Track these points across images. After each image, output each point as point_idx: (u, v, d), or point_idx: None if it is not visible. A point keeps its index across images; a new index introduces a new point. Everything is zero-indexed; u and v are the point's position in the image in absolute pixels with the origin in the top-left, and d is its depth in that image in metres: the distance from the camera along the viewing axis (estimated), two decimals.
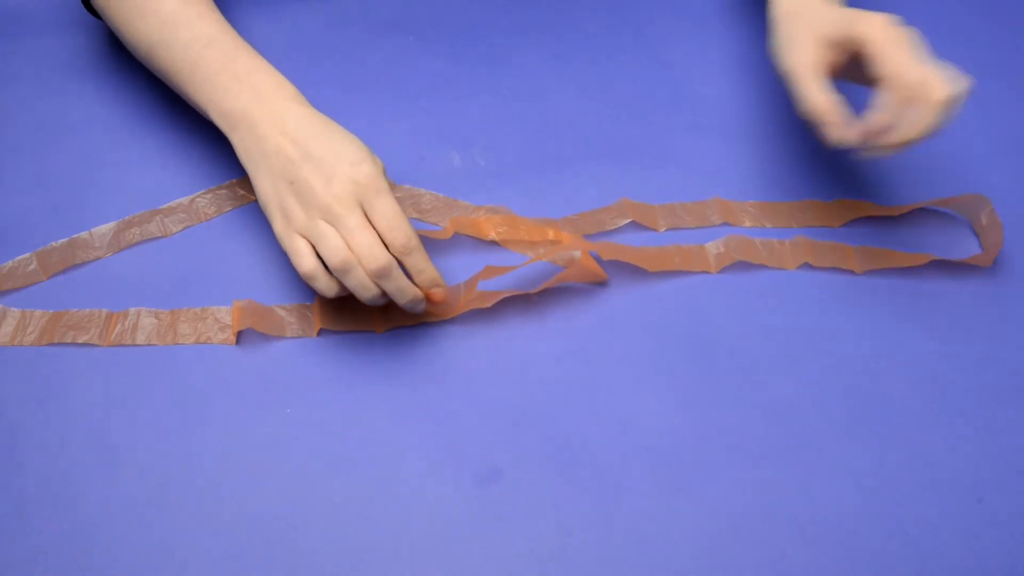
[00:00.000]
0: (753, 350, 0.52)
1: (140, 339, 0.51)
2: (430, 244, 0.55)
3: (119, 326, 0.51)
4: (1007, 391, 0.51)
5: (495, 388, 0.50)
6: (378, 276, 0.46)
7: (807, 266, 0.55)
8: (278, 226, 0.48)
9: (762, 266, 0.55)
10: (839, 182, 0.60)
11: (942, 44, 0.70)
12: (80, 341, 0.50)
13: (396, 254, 0.47)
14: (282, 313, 0.52)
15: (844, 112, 0.49)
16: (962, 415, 0.50)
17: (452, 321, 0.52)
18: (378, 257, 0.46)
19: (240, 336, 0.51)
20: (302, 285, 0.53)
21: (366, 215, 0.47)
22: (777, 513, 0.46)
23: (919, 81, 0.47)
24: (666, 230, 0.57)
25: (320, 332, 0.51)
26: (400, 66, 0.65)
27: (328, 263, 0.46)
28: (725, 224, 0.57)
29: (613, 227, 0.56)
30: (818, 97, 0.49)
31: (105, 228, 0.54)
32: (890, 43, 0.48)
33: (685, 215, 0.57)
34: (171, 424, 0.48)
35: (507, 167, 0.59)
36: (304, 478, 0.46)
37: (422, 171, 0.59)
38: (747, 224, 0.57)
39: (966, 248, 0.57)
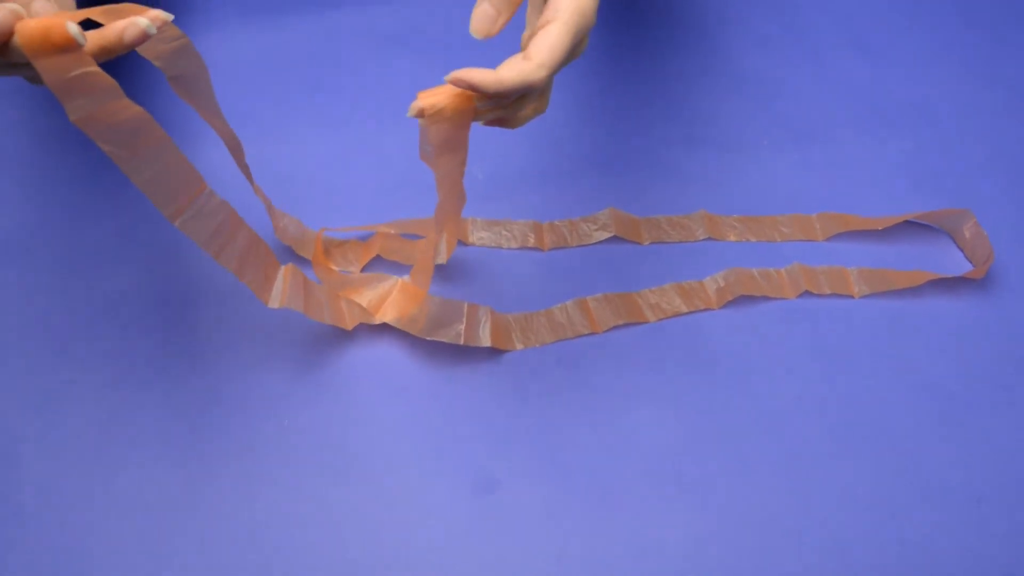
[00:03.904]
0: (750, 362, 0.52)
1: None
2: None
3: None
4: (1001, 402, 0.51)
5: (492, 398, 0.50)
6: None
7: (807, 293, 0.55)
8: None
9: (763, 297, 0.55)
10: (823, 194, 0.60)
11: (935, 54, 0.71)
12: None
13: None
14: (320, 295, 0.49)
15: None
16: (960, 426, 0.50)
17: None
18: None
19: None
20: None
21: None
22: (775, 524, 0.46)
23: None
24: (649, 243, 0.57)
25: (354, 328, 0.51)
26: (399, 79, 0.65)
27: None
28: (709, 239, 0.57)
29: (595, 240, 0.56)
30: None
31: None
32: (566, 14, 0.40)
33: (669, 229, 0.57)
34: (168, 433, 0.48)
35: (506, 180, 0.59)
36: (300, 488, 0.46)
37: (422, 185, 0.59)
38: (731, 238, 0.57)
39: (951, 258, 0.57)
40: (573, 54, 0.42)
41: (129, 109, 0.39)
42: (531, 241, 0.56)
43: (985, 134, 0.64)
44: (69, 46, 0.36)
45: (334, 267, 0.54)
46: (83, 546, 0.44)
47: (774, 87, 0.67)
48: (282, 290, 0.46)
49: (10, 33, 0.37)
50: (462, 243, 0.56)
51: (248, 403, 0.49)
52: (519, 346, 0.52)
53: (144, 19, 0.38)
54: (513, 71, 0.38)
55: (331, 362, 0.51)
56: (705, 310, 0.54)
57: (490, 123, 0.43)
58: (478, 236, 0.56)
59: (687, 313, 0.54)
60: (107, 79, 0.38)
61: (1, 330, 0.52)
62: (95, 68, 0.38)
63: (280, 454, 0.48)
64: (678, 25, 0.70)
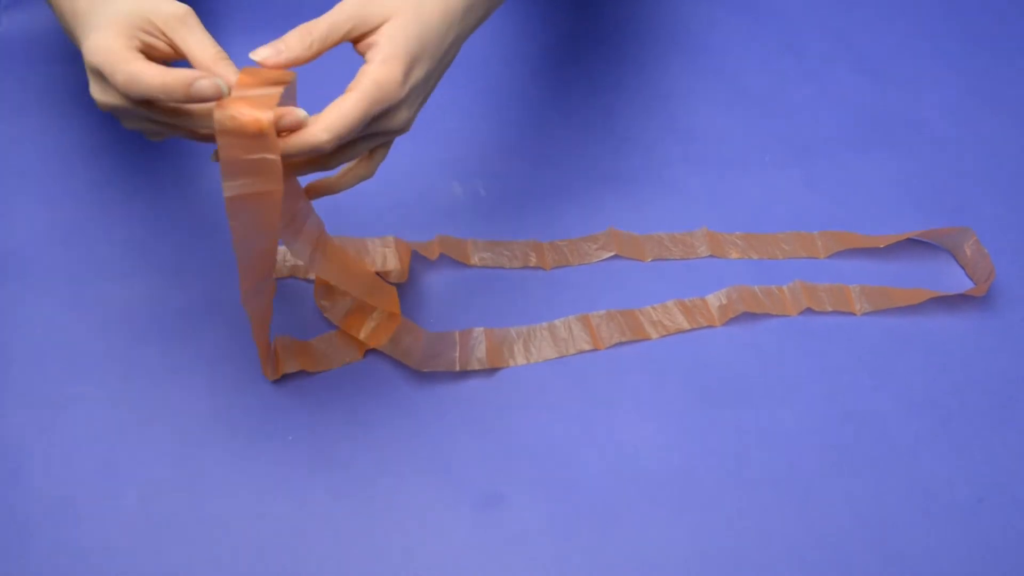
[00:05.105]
0: (752, 378, 0.52)
1: None
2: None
3: None
4: (1003, 419, 0.51)
5: (495, 413, 0.50)
6: None
7: (808, 311, 0.55)
8: None
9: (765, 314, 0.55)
10: (824, 212, 0.60)
11: (936, 73, 0.71)
12: None
13: None
14: (321, 346, 0.52)
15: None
16: (962, 443, 0.50)
17: None
18: None
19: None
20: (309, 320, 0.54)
21: None
22: (778, 539, 0.46)
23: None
24: (652, 260, 0.57)
25: (366, 354, 0.52)
26: None
27: None
28: (711, 256, 0.57)
29: (596, 260, 0.57)
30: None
31: None
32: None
33: (672, 246, 0.57)
34: (174, 450, 0.48)
35: (508, 197, 0.60)
36: (304, 502, 0.47)
37: (424, 201, 0.59)
38: (733, 256, 0.57)
39: (952, 275, 0.58)
40: (387, 126, 0.43)
41: (276, 195, 0.38)
42: (532, 261, 0.57)
43: (986, 153, 0.65)
44: (263, 133, 0.36)
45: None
46: (90, 561, 0.44)
47: (776, 105, 0.67)
48: (276, 362, 0.50)
49: (210, 106, 0.37)
50: (464, 264, 0.56)
51: (253, 418, 0.49)
52: (521, 360, 0.52)
53: (302, 111, 0.38)
54: (300, 133, 0.39)
55: (336, 378, 0.51)
56: (707, 327, 0.54)
57: (312, 193, 0.45)
58: (480, 256, 0.56)
59: (689, 330, 0.54)
60: (279, 168, 0.37)
61: (9, 343, 0.51)
62: (276, 157, 0.37)
63: (285, 469, 0.48)
64: (680, 43, 0.71)
